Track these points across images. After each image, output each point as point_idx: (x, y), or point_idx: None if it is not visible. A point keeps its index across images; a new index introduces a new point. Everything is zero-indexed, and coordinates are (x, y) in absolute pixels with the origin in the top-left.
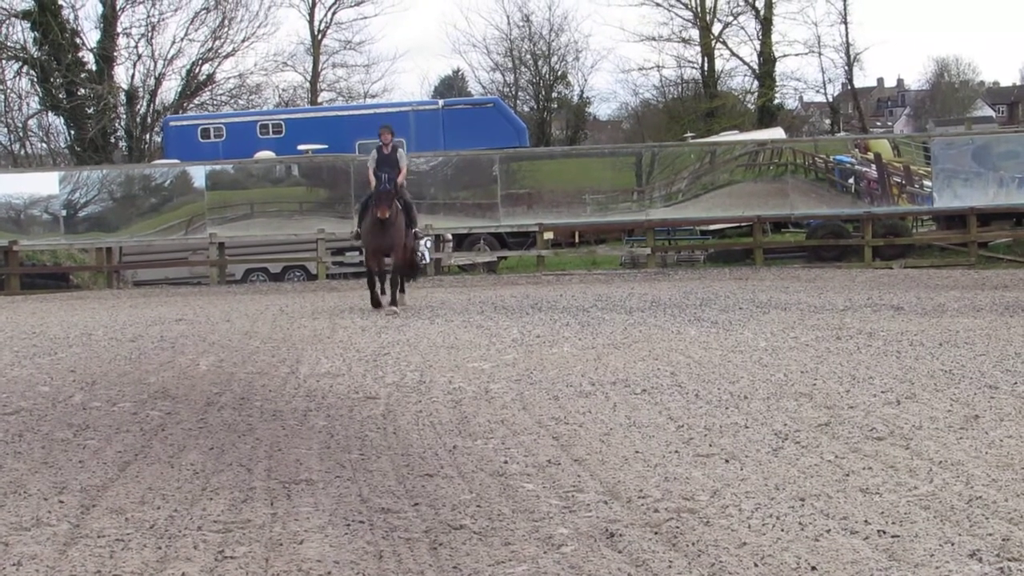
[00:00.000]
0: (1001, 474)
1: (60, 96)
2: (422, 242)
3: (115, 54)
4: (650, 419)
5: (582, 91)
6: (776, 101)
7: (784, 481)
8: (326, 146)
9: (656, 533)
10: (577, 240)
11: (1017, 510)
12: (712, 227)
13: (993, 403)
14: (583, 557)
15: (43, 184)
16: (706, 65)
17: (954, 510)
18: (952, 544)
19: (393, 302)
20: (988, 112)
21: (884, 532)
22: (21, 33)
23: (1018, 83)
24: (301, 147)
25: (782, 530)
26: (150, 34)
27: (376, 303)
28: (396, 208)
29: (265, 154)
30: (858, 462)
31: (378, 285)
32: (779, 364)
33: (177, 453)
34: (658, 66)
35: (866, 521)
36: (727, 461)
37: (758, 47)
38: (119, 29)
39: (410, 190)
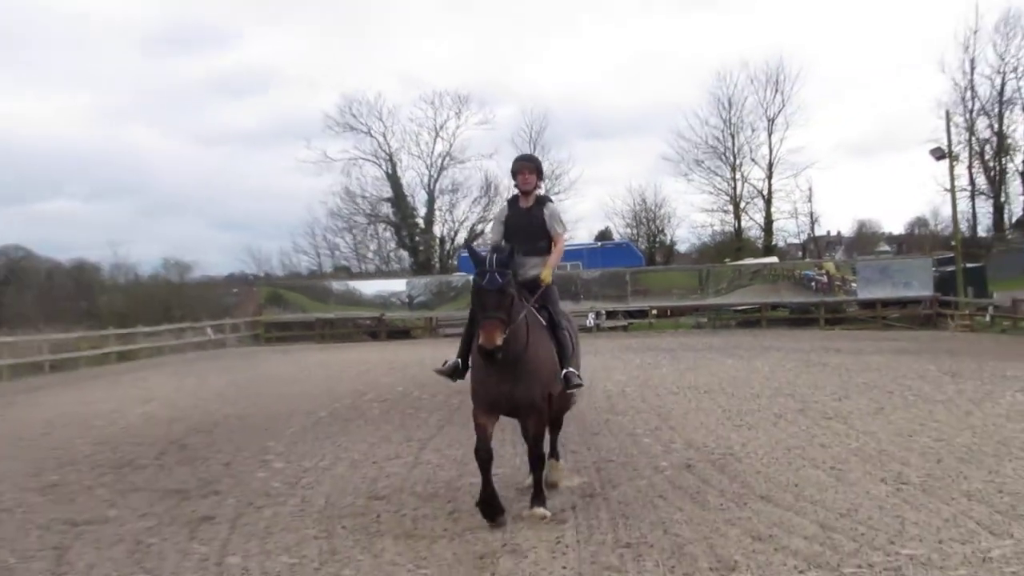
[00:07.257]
0: (896, 438)
1: (406, 240)
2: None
3: (433, 219)
4: (708, 407)
5: (672, 237)
6: (774, 243)
7: (779, 440)
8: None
9: (713, 465)
10: (669, 313)
11: (905, 457)
12: (740, 307)
13: (890, 401)
14: (674, 476)
15: (397, 285)
16: (736, 223)
17: (871, 457)
18: (871, 474)
19: (537, 496)
20: (887, 248)
21: (834, 468)
22: (387, 208)
23: (903, 232)
24: None
25: (779, 465)
26: (451, 209)
27: (490, 505)
28: (522, 326)
29: None
30: (818, 431)
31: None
32: (775, 378)
33: (424, 421)
34: (711, 224)
35: (823, 461)
36: (749, 429)
37: (764, 214)
38: (436, 206)
39: (569, 289)
